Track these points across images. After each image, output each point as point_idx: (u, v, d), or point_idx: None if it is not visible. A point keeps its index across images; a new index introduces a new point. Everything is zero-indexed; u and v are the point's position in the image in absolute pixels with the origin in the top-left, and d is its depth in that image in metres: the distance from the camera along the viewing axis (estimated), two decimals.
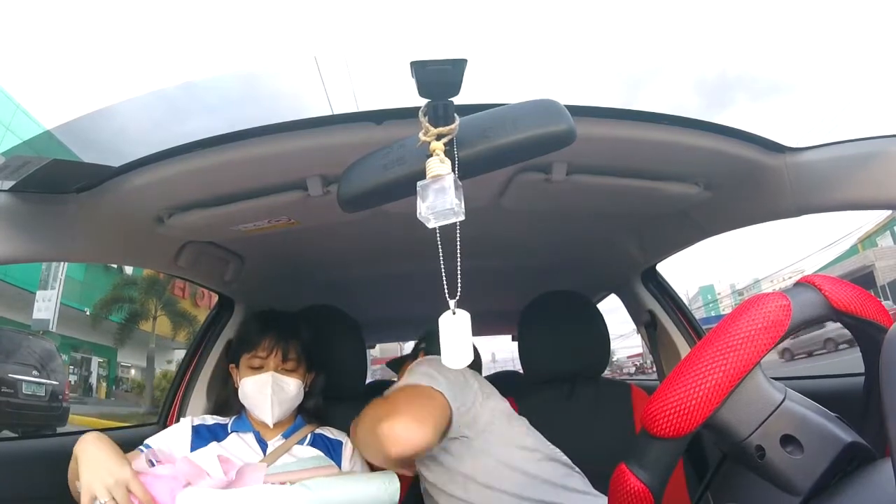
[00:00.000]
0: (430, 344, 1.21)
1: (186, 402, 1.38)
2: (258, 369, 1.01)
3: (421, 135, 0.52)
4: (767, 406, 0.47)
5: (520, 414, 1.05)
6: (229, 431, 1.00)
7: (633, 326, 1.65)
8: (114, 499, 0.72)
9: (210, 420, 1.02)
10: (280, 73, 0.87)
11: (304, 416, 1.06)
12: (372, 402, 0.97)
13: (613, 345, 1.44)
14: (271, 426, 1.00)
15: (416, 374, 0.95)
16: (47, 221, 0.86)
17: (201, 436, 0.97)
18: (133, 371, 14.61)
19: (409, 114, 0.68)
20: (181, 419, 1.04)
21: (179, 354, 12.49)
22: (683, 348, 1.43)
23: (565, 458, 1.00)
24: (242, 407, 1.04)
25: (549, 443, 1.01)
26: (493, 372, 2.36)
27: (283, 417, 1.01)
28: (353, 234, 1.20)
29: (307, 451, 0.98)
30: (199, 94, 0.86)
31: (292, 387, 1.01)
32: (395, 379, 1.20)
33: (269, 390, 0.98)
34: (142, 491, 0.75)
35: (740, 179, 0.97)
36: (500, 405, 1.01)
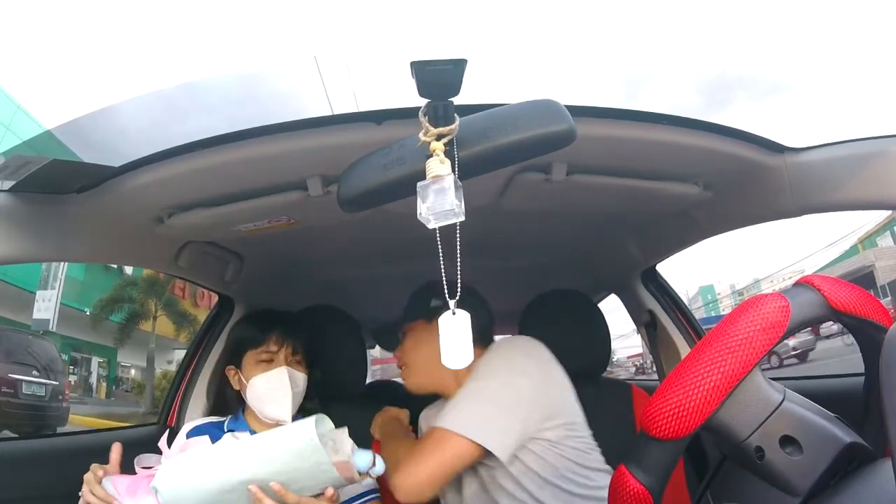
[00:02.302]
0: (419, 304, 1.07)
1: (186, 402, 1.39)
2: (269, 363, 0.98)
3: (421, 135, 0.52)
4: (766, 407, 0.47)
5: None
6: (225, 430, 1.00)
7: (633, 326, 1.65)
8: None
9: (203, 421, 1.03)
10: (280, 73, 0.87)
11: (303, 417, 1.06)
12: (395, 434, 1.03)
13: (613, 345, 1.44)
14: (289, 421, 0.96)
15: (468, 413, 0.88)
16: (47, 221, 0.87)
17: (194, 435, 0.98)
18: (133, 371, 14.61)
19: (409, 114, 0.68)
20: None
21: (179, 354, 12.49)
22: (683, 348, 1.43)
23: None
24: (240, 408, 1.03)
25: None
26: None
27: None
28: (353, 234, 1.20)
29: None
30: (199, 94, 0.86)
31: (302, 381, 1.00)
32: (397, 380, 1.19)
33: (287, 383, 0.96)
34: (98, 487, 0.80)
35: (740, 179, 0.97)
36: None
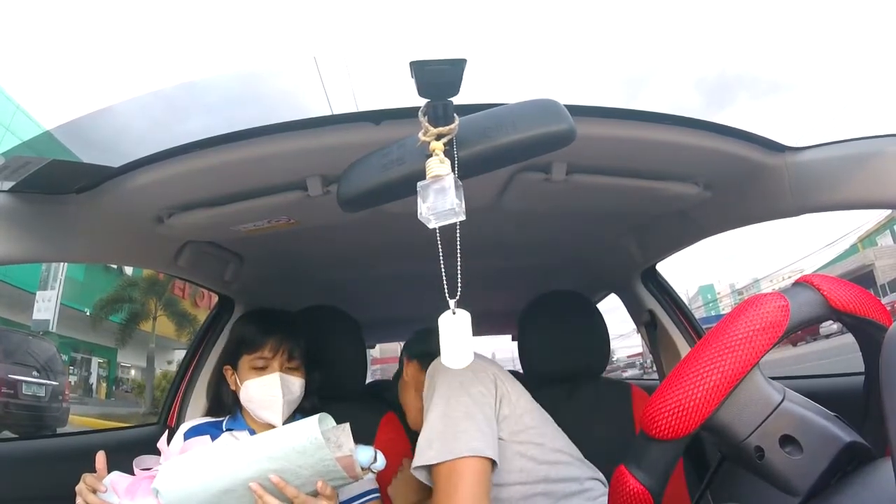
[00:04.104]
0: (417, 345, 1.11)
1: (186, 402, 1.39)
2: (262, 370, 0.99)
3: (420, 135, 0.52)
4: (766, 407, 0.47)
5: None
6: (223, 430, 1.00)
7: (633, 326, 1.65)
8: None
9: (200, 420, 1.03)
10: (280, 73, 0.87)
11: (301, 416, 1.06)
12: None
13: (613, 345, 1.44)
14: (280, 426, 0.97)
15: (452, 435, 0.81)
16: (47, 222, 0.87)
17: (192, 435, 0.98)
18: (133, 371, 14.62)
19: (408, 114, 0.68)
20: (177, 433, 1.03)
21: (179, 354, 12.49)
22: (683, 348, 1.43)
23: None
24: (237, 407, 1.03)
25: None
26: None
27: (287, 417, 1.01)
28: (353, 234, 1.20)
29: None
30: (199, 94, 0.86)
31: (297, 386, 1.00)
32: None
33: (278, 391, 0.96)
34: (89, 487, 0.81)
35: (740, 179, 0.97)
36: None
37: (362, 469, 0.78)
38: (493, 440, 0.83)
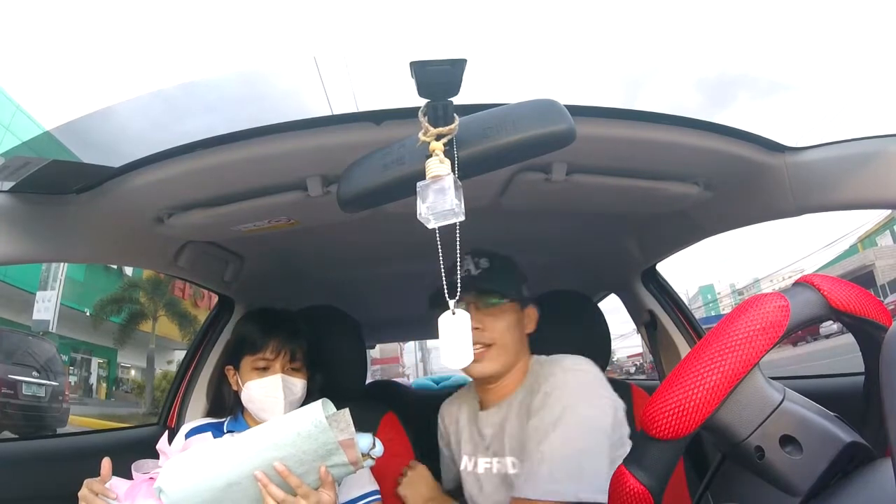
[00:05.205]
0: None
1: (186, 403, 1.39)
2: (264, 371, 0.99)
3: (421, 135, 0.52)
4: (766, 407, 0.47)
5: None
6: (225, 431, 1.00)
7: (633, 326, 1.65)
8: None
9: (202, 421, 1.03)
10: (280, 73, 0.87)
11: None
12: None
13: (613, 345, 1.44)
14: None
15: (576, 470, 0.79)
16: (47, 222, 0.87)
17: (194, 435, 0.99)
18: (133, 371, 14.62)
19: (408, 114, 0.68)
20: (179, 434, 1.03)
21: (179, 355, 12.50)
22: (683, 348, 1.43)
23: None
24: (238, 408, 1.03)
25: None
26: None
27: None
28: (353, 234, 1.20)
29: None
30: (199, 94, 0.86)
31: (299, 387, 1.00)
32: (397, 380, 1.18)
33: (280, 392, 0.96)
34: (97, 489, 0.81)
35: (740, 179, 0.97)
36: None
37: (362, 455, 0.79)
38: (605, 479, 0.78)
